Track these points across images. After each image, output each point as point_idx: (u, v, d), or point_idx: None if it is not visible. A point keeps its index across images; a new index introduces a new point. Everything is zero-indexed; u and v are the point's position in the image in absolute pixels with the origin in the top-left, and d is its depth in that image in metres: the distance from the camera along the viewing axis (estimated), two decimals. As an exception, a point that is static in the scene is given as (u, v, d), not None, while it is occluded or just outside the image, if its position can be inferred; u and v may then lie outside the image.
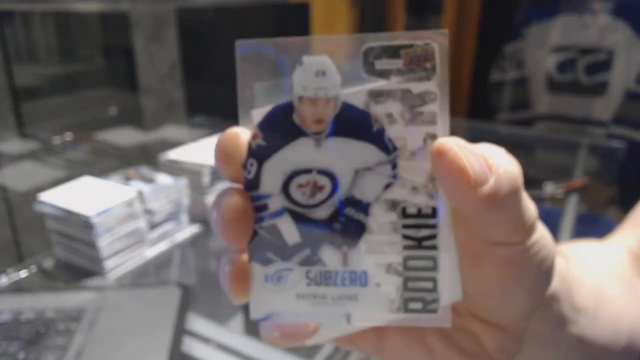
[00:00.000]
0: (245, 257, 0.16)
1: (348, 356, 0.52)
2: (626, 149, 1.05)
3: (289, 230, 0.16)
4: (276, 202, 0.16)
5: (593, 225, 0.86)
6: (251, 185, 0.15)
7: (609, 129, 1.78)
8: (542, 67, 1.86)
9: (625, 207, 0.35)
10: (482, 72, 1.98)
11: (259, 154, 0.15)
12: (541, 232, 0.16)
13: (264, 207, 0.16)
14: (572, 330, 0.21)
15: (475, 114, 1.94)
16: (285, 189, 0.15)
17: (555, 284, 0.18)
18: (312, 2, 1.38)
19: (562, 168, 1.14)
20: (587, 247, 0.28)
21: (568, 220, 0.79)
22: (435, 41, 0.15)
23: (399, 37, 0.15)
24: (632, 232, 0.30)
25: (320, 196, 0.15)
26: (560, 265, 0.19)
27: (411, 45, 0.15)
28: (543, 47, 1.85)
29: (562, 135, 1.41)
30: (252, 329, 0.56)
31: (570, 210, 0.83)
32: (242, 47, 0.15)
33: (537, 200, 0.17)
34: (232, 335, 0.54)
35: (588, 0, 1.76)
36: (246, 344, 0.52)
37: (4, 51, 1.32)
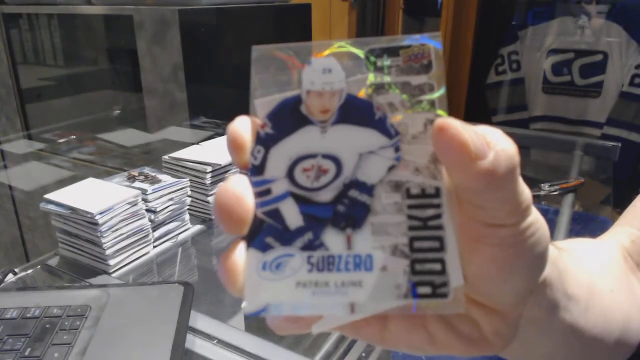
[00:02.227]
0: (242, 245, 0.16)
1: (349, 352, 0.53)
2: (620, 149, 1.07)
3: (292, 213, 0.16)
4: (280, 186, 0.16)
5: (588, 223, 0.87)
6: (256, 170, 0.16)
7: (603, 129, 1.80)
8: (538, 68, 1.88)
9: (620, 206, 0.36)
10: (479, 74, 1.99)
11: (266, 141, 0.16)
12: (535, 215, 0.17)
13: (267, 192, 0.16)
14: (565, 317, 0.21)
15: (472, 115, 1.96)
16: (290, 173, 0.16)
17: (549, 270, 0.19)
18: (312, 4, 1.39)
19: (557, 168, 1.15)
20: (582, 244, 0.28)
21: (564, 219, 0.80)
22: (431, 42, 0.16)
23: (398, 40, 0.16)
24: (625, 230, 0.31)
25: (324, 179, 0.16)
26: (554, 254, 0.20)
27: (409, 46, 0.16)
28: (539, 49, 1.86)
29: (557, 136, 1.42)
30: (254, 326, 0.56)
31: (566, 209, 0.84)
32: (257, 50, 0.16)
33: (533, 199, 0.17)
34: (234, 332, 0.55)
35: (583, 3, 1.78)
36: (248, 341, 0.53)
37: (11, 53, 1.32)
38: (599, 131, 1.81)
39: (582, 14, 1.75)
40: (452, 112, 0.15)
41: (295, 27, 1.38)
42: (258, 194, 0.16)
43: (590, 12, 1.74)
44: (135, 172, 0.76)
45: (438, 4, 2.03)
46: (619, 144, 1.07)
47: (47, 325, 0.51)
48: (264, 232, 0.16)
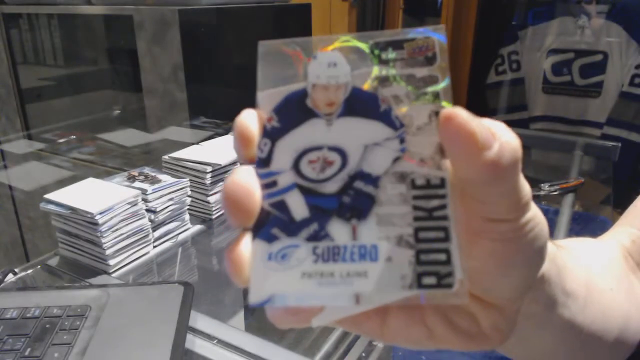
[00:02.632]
0: (247, 237, 0.16)
1: (349, 352, 0.53)
2: (620, 148, 1.07)
3: (297, 205, 0.16)
4: (286, 178, 0.16)
5: (588, 223, 0.87)
6: (263, 163, 0.16)
7: (603, 129, 1.80)
8: (538, 68, 1.88)
9: (620, 206, 0.36)
10: (479, 74, 1.99)
11: (273, 134, 0.16)
12: (534, 211, 0.17)
13: (273, 184, 0.16)
14: (564, 313, 0.21)
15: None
16: (296, 165, 0.16)
17: (547, 267, 0.19)
18: (312, 4, 1.39)
19: (557, 168, 1.15)
20: (582, 243, 0.28)
21: (564, 219, 0.81)
22: (435, 34, 0.16)
23: (402, 33, 0.16)
24: (625, 230, 0.31)
25: (330, 171, 0.16)
26: (553, 250, 0.20)
27: (413, 39, 0.16)
28: (539, 49, 1.87)
29: (557, 136, 1.42)
30: (254, 326, 0.56)
31: (566, 209, 0.85)
32: (263, 45, 0.16)
33: (534, 199, 0.17)
34: (234, 332, 0.55)
35: (583, 3, 1.78)
36: (248, 341, 0.53)
37: (11, 53, 1.33)
38: (599, 131, 1.81)
39: (582, 14, 1.75)
40: (452, 112, 0.15)
41: (295, 27, 1.38)
42: (264, 186, 0.16)
43: (590, 12, 1.75)
44: (135, 172, 0.76)
45: (438, 4, 2.03)
46: (619, 144, 1.08)
47: (47, 325, 0.51)
48: (270, 224, 0.16)
